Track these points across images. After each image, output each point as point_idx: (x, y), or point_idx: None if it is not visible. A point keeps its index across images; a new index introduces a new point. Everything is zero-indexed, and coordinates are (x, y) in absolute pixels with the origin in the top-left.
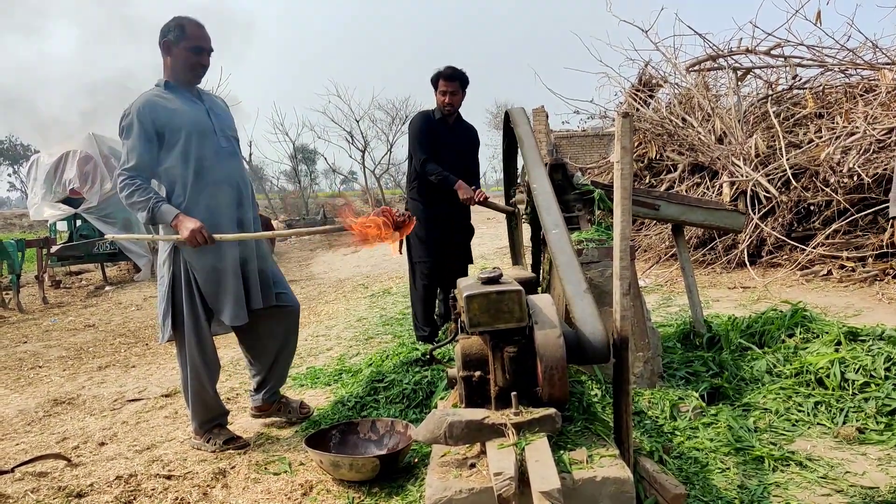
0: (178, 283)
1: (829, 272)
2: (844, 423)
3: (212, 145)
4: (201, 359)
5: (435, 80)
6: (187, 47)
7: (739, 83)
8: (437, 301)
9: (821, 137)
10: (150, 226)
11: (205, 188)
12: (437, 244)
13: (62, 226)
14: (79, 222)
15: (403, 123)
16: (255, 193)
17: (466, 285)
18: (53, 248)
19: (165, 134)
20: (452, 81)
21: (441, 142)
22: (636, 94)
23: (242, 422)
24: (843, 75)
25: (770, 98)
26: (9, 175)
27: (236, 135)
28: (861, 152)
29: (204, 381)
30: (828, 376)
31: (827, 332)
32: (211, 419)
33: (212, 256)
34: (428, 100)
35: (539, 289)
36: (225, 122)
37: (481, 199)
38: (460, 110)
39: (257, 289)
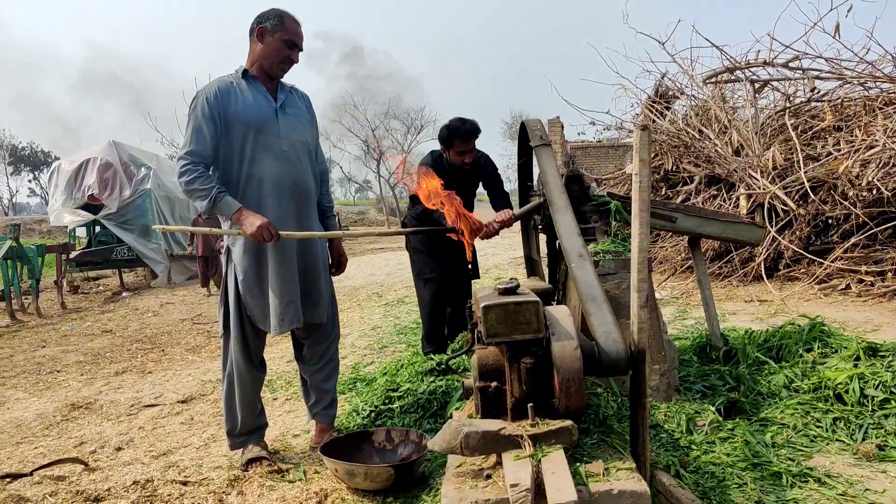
0: (229, 281)
1: (848, 286)
2: (864, 439)
3: (272, 148)
4: (240, 364)
5: (448, 139)
6: (283, 38)
7: (757, 95)
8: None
9: (839, 150)
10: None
11: (257, 191)
12: (443, 260)
13: (81, 232)
14: (97, 228)
15: (419, 133)
16: None
17: (484, 295)
18: (72, 254)
19: (229, 125)
20: (469, 140)
21: (453, 185)
22: (652, 106)
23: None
24: (861, 88)
25: (788, 110)
26: (29, 181)
27: (305, 139)
28: (880, 165)
29: (237, 387)
30: (847, 392)
31: (846, 348)
32: (240, 432)
33: (254, 258)
34: (439, 106)
35: (554, 300)
36: (295, 125)
37: (504, 221)
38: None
39: (298, 305)
